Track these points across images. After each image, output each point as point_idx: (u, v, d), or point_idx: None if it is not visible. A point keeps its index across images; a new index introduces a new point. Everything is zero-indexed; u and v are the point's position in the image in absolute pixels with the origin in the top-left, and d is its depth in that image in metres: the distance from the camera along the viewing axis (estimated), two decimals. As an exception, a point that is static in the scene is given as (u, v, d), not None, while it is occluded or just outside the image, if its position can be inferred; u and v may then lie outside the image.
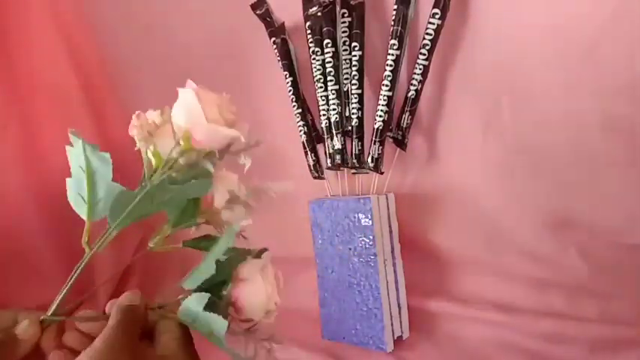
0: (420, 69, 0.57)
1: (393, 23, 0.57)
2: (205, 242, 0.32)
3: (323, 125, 0.63)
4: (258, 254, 0.32)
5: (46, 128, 0.71)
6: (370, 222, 0.59)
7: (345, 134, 0.62)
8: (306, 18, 0.63)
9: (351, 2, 0.61)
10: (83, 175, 0.31)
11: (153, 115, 0.31)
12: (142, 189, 0.29)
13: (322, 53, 0.62)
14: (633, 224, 0.58)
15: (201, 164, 0.30)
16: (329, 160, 0.63)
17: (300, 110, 0.64)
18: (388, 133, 0.60)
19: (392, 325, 0.60)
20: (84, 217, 0.31)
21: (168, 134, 0.30)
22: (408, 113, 0.59)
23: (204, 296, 0.28)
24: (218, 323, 0.27)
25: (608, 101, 0.54)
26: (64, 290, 0.30)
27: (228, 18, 0.69)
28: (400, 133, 0.61)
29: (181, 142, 0.29)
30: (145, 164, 0.31)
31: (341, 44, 0.62)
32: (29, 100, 0.70)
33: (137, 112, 0.31)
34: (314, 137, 0.65)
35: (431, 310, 0.65)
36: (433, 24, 0.56)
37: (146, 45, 0.72)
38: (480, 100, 0.60)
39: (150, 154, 0.30)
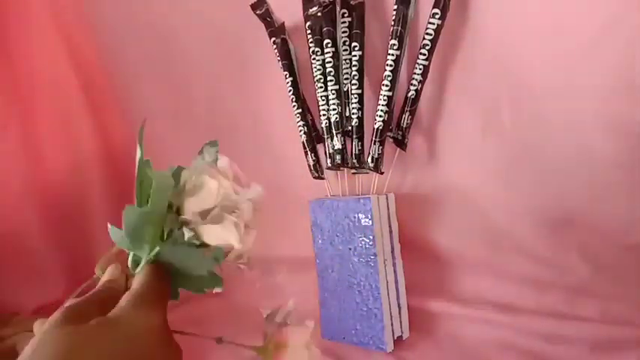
0: (420, 69, 0.57)
1: (393, 23, 0.57)
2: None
3: (323, 125, 0.63)
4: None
5: (47, 128, 0.71)
6: (370, 222, 0.59)
7: (345, 134, 0.62)
8: (306, 18, 0.63)
9: (351, 2, 0.61)
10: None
11: None
12: None
13: (322, 53, 0.62)
14: (633, 224, 0.58)
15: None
16: (329, 160, 0.63)
17: (300, 110, 0.64)
18: (388, 133, 0.60)
19: (392, 325, 0.60)
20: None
21: None
22: (408, 113, 0.59)
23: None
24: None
25: (608, 101, 0.54)
26: None
27: (228, 18, 0.69)
28: (400, 133, 0.61)
29: None
30: None
31: (341, 44, 0.62)
32: (29, 100, 0.70)
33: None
34: (314, 137, 0.65)
35: (431, 310, 0.65)
36: (433, 24, 0.56)
37: (146, 45, 0.72)
38: (480, 100, 0.60)
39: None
